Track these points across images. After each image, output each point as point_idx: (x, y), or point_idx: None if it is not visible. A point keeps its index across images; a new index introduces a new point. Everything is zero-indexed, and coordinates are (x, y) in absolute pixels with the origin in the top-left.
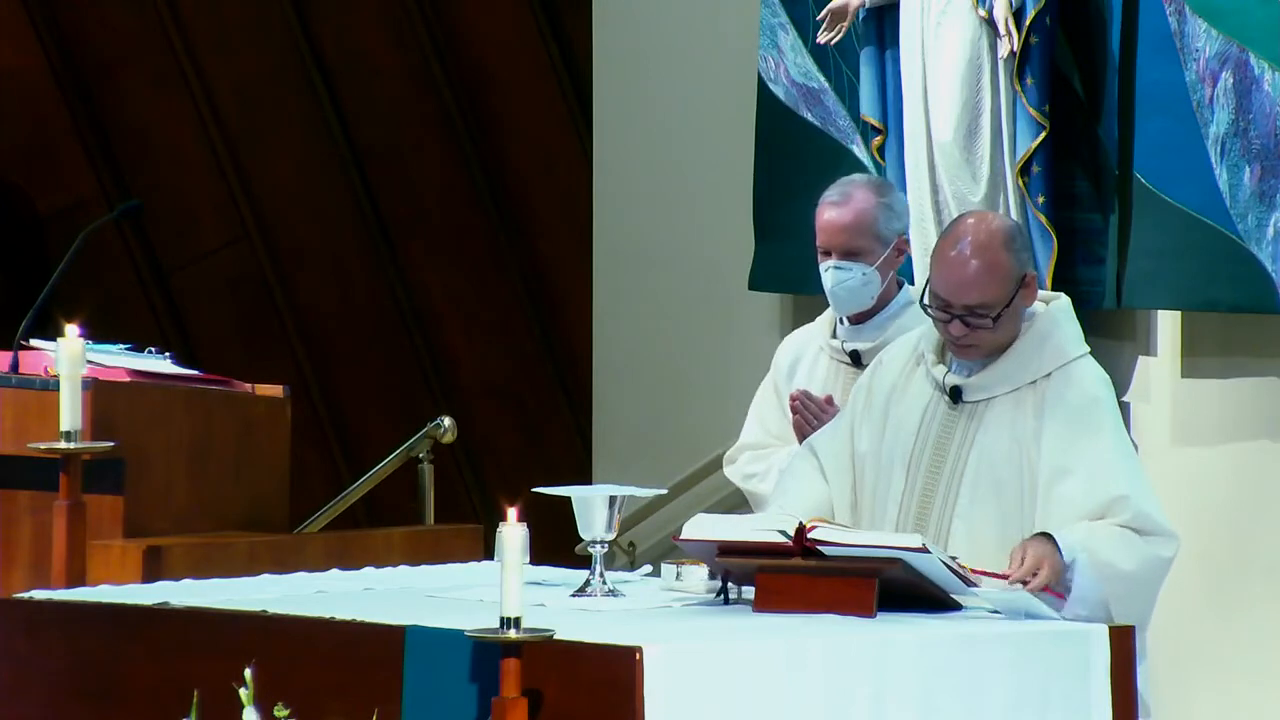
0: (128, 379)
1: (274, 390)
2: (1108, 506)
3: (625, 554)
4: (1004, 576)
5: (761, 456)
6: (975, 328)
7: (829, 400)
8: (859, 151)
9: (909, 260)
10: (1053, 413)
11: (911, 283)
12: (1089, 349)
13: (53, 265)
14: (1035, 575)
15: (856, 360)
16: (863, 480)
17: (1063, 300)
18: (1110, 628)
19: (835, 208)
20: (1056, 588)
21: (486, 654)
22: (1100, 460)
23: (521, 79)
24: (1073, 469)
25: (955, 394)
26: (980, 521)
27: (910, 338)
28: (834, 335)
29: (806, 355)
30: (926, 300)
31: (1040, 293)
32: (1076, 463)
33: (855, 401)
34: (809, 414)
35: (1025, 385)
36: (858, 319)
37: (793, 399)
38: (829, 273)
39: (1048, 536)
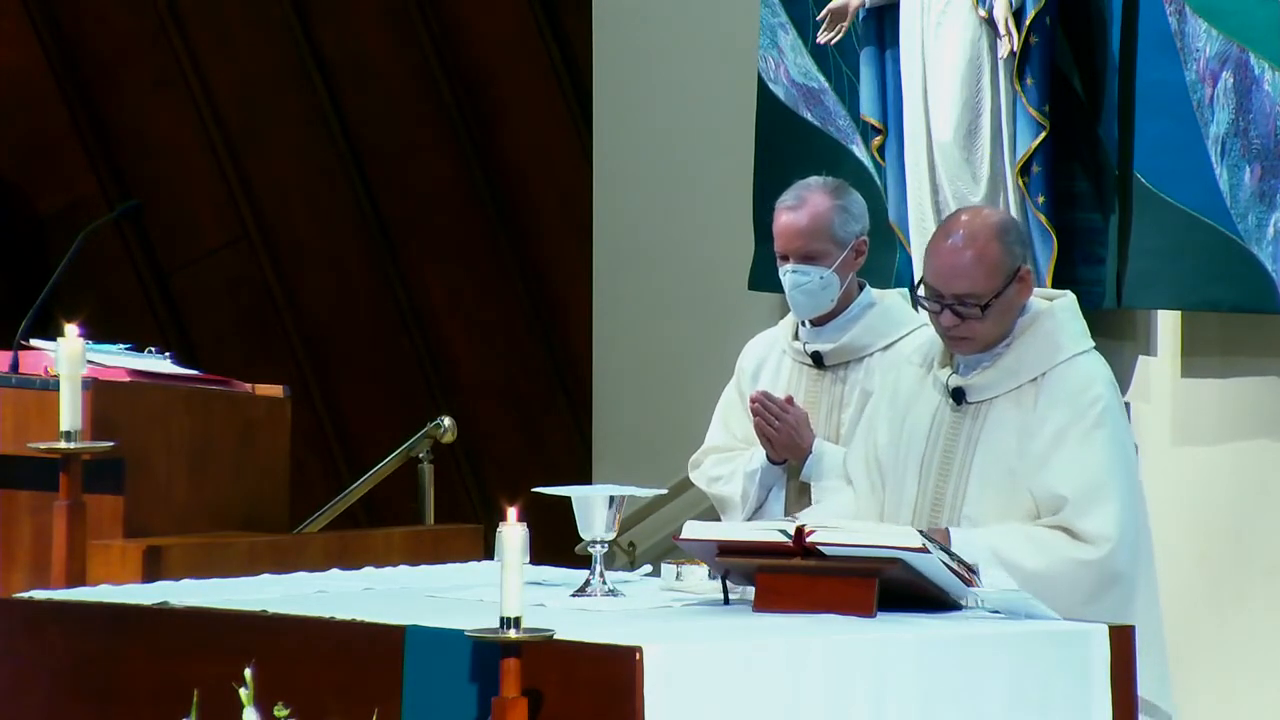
0: (128, 379)
1: (274, 390)
2: (1047, 506)
3: (625, 554)
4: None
5: (727, 459)
6: (965, 318)
7: (789, 400)
8: (859, 151)
9: (907, 260)
10: (1043, 411)
11: (877, 285)
12: (1093, 346)
13: (53, 265)
14: None
15: (819, 362)
16: (879, 483)
17: (1067, 299)
18: (1110, 627)
19: (791, 212)
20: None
21: (486, 654)
22: (1061, 463)
23: (521, 79)
24: (1037, 472)
25: (958, 395)
26: (988, 520)
27: (923, 344)
28: (796, 337)
29: (770, 359)
30: (920, 292)
31: (1046, 290)
32: (1043, 464)
33: (875, 406)
34: (769, 414)
35: (1026, 383)
36: (819, 321)
37: (752, 400)
38: (787, 276)
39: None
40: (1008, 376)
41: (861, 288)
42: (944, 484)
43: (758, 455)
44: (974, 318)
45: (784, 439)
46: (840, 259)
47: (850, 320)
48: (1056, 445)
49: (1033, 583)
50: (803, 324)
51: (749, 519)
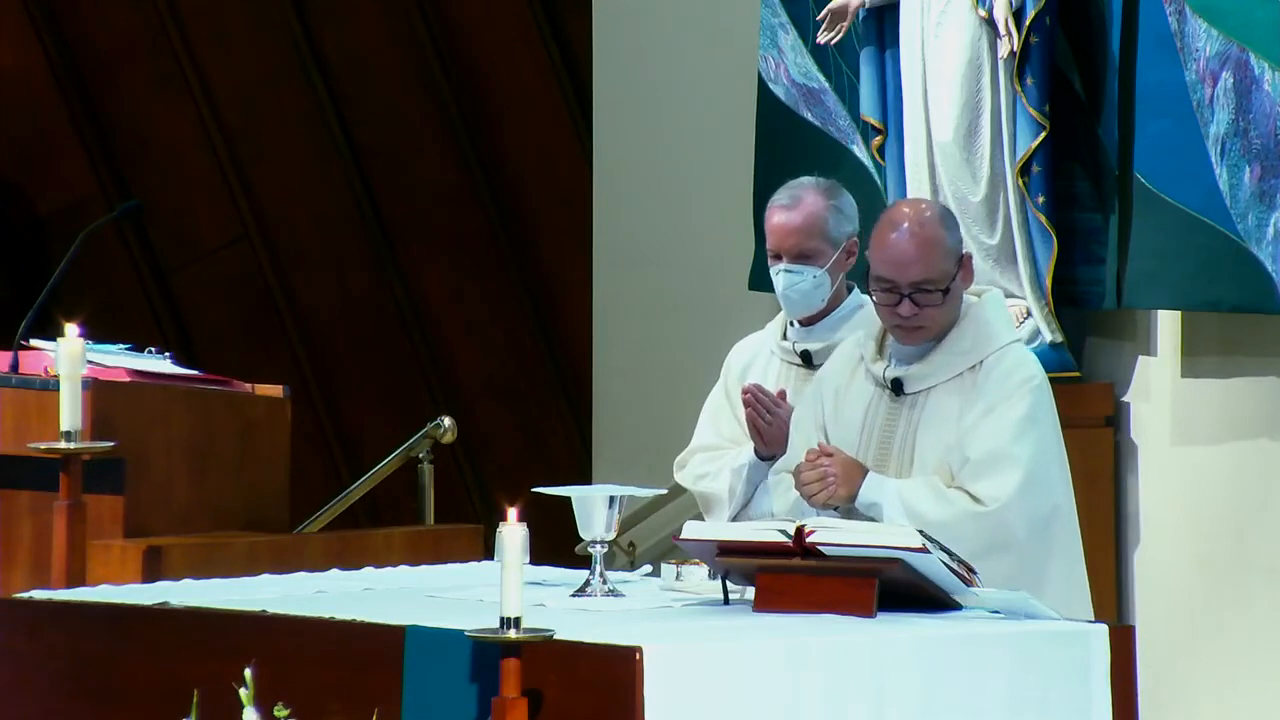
0: (128, 379)
1: (274, 390)
2: (957, 468)
3: (625, 554)
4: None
5: (714, 458)
6: (924, 305)
7: (781, 395)
8: (859, 151)
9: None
10: (979, 392)
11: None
12: (1019, 337)
13: (53, 265)
14: (826, 481)
15: (808, 360)
16: None
17: (994, 293)
18: (1110, 628)
19: (785, 210)
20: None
21: (486, 654)
22: (979, 431)
23: (521, 79)
24: (967, 446)
25: (897, 386)
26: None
27: (849, 343)
28: (785, 338)
29: (758, 360)
30: (871, 287)
31: (971, 286)
32: (969, 432)
33: (812, 412)
34: (760, 407)
35: (965, 370)
36: (808, 321)
37: (745, 392)
38: (780, 276)
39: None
40: (946, 365)
41: (850, 289)
42: (884, 472)
43: (745, 452)
44: (933, 304)
45: (775, 433)
46: (833, 259)
47: (840, 320)
48: (982, 417)
49: (932, 531)
50: (791, 324)
51: (734, 516)
